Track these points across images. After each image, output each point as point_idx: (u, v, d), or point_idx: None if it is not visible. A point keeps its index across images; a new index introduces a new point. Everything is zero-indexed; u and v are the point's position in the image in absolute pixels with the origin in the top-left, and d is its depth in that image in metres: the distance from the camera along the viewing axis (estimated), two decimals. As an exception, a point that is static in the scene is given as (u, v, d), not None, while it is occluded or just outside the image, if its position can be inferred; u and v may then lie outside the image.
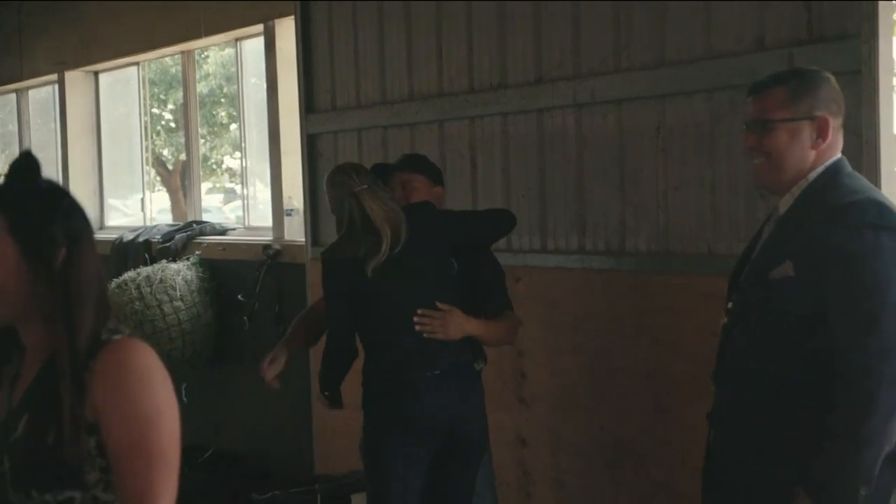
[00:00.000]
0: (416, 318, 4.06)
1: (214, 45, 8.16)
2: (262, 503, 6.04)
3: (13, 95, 10.35)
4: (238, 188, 9.13)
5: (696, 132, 4.37)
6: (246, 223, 7.63)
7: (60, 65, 9.11)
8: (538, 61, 4.99)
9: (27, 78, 9.78)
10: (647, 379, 4.57)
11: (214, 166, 11.01)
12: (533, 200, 5.05)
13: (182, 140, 8.73)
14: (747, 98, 3.14)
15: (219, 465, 7.07)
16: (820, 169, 3.04)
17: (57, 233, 2.12)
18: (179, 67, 8.35)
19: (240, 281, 6.97)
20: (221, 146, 10.87)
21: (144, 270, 7.15)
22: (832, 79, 3.09)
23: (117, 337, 2.11)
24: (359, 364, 4.21)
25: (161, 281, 6.98)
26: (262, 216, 7.51)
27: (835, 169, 3.04)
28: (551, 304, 4.91)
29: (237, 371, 7.25)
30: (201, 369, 7.35)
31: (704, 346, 3.42)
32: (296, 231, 6.73)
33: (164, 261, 7.33)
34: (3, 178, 2.22)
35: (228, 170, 11.08)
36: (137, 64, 8.65)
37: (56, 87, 9.33)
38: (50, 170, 9.87)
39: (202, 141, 8.60)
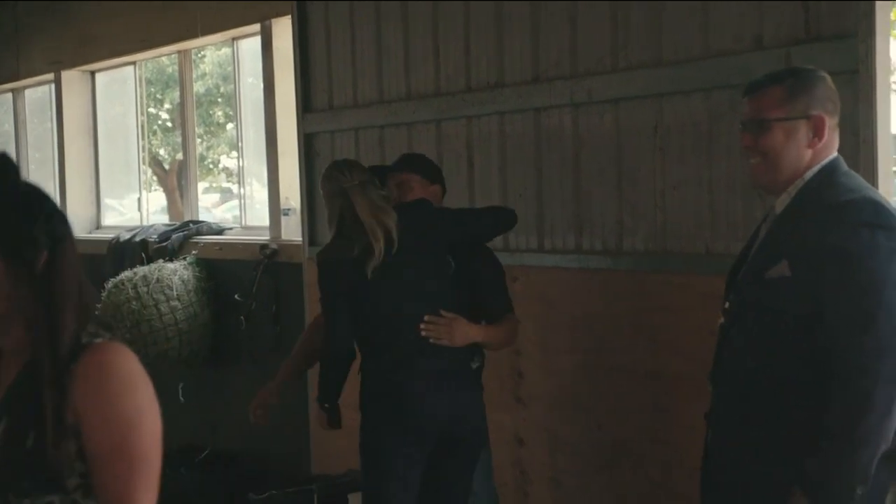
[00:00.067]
0: (422, 325, 4.06)
1: (211, 44, 8.15)
2: (259, 503, 6.03)
3: (9, 95, 10.33)
4: (235, 188, 9.13)
5: (694, 132, 4.37)
6: (243, 223, 7.63)
7: (57, 64, 9.10)
8: (535, 61, 4.99)
9: (23, 77, 9.77)
10: (645, 378, 4.57)
11: (211, 166, 11.00)
12: (530, 200, 5.05)
13: (178, 140, 8.73)
14: (743, 98, 3.14)
15: (216, 464, 7.07)
16: (816, 168, 3.04)
17: (38, 235, 2.10)
18: (176, 67, 8.35)
19: (237, 281, 6.96)
20: (218, 146, 10.86)
21: (141, 270, 7.15)
22: (828, 78, 3.09)
23: (98, 340, 2.09)
24: (355, 365, 4.21)
25: (158, 281, 6.98)
26: (259, 216, 7.50)
27: (831, 168, 3.04)
28: (549, 303, 4.91)
29: (234, 371, 7.25)
30: (198, 369, 7.34)
31: (702, 345, 3.42)
32: (293, 231, 6.73)
33: (160, 260, 7.33)
34: None
35: (225, 169, 11.07)
36: (134, 63, 8.64)
37: (52, 86, 9.32)
38: (46, 169, 9.88)
39: (199, 140, 8.60)
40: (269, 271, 6.78)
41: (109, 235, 8.37)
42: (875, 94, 3.74)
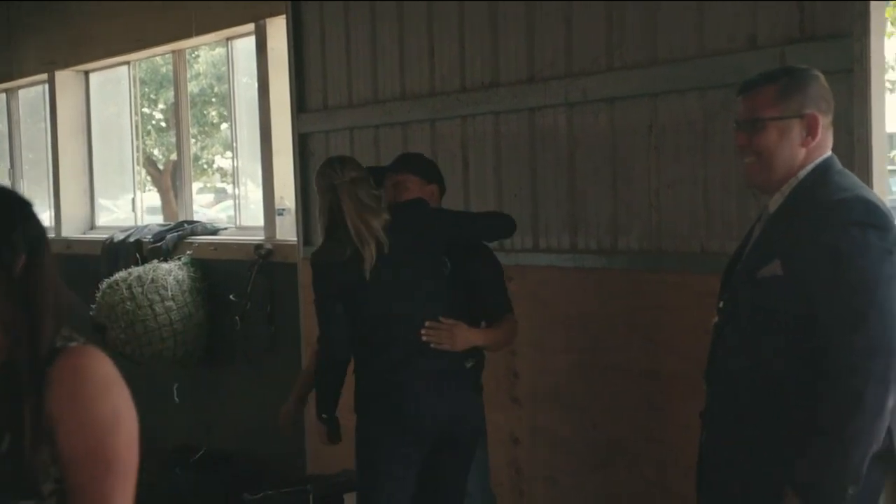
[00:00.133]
0: (423, 331, 4.06)
1: (205, 44, 8.15)
2: (255, 503, 6.03)
3: (3, 95, 10.33)
4: (229, 188, 9.13)
5: (689, 131, 4.37)
6: (237, 223, 7.62)
7: (51, 64, 9.09)
8: (530, 60, 4.99)
9: (17, 78, 9.76)
10: (640, 377, 4.57)
11: (205, 166, 11.00)
12: (525, 199, 5.05)
13: (173, 140, 8.72)
14: (737, 97, 3.14)
15: (211, 464, 7.06)
16: (810, 167, 3.04)
17: (16, 240, 2.08)
18: (170, 67, 8.34)
19: (231, 281, 6.96)
20: (212, 146, 10.87)
21: (136, 270, 7.15)
22: (821, 77, 3.09)
23: (72, 344, 2.08)
24: (350, 367, 4.21)
25: (152, 281, 6.97)
26: (253, 216, 7.50)
27: (825, 167, 3.04)
28: (544, 303, 4.91)
29: (229, 371, 7.25)
30: (193, 369, 7.34)
31: (697, 344, 3.42)
32: (287, 231, 6.73)
33: (155, 261, 7.32)
34: None
35: (219, 169, 11.07)
36: (128, 63, 8.64)
37: (46, 86, 9.31)
38: (40, 170, 9.88)
39: (193, 141, 8.60)
40: (263, 271, 6.78)
41: (104, 236, 8.37)
42: (870, 93, 3.74)
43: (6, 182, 10.39)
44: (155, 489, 7.36)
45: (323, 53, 6.24)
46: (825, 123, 3.05)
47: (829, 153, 3.07)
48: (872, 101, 3.75)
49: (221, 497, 6.70)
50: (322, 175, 4.17)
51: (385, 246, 4.02)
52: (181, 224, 7.80)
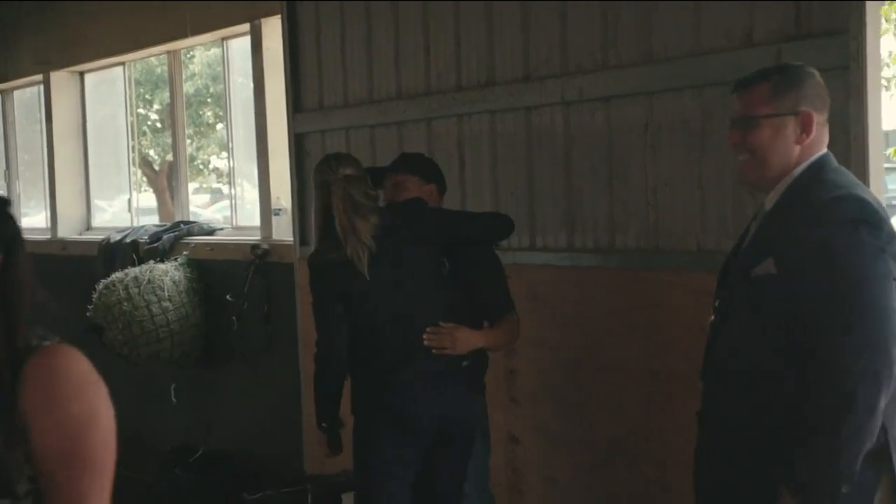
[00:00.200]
0: (424, 336, 4.05)
1: (200, 44, 8.14)
2: (253, 503, 6.03)
3: (-2, 96, 10.32)
4: (225, 188, 9.12)
5: (685, 128, 4.37)
6: (233, 223, 7.62)
7: (45, 65, 9.08)
8: (526, 59, 4.99)
9: (12, 78, 9.75)
10: (638, 376, 4.57)
11: (201, 166, 11.00)
12: (521, 198, 5.05)
13: (168, 140, 8.71)
14: (732, 94, 3.14)
15: (209, 465, 7.05)
16: (805, 164, 3.03)
17: None
18: (165, 67, 8.33)
19: (228, 281, 6.96)
20: (208, 146, 10.86)
21: (132, 271, 7.14)
22: (816, 74, 3.09)
23: (47, 343, 2.07)
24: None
25: (149, 281, 6.97)
26: (249, 216, 7.50)
27: (820, 164, 3.04)
28: (541, 301, 4.91)
29: (226, 371, 7.25)
30: (190, 369, 7.34)
31: (695, 342, 3.42)
32: (284, 230, 6.72)
33: (151, 261, 7.32)
34: None
35: (215, 170, 11.07)
36: (123, 64, 8.63)
37: (41, 87, 9.30)
38: (36, 171, 9.87)
39: (189, 141, 8.59)
40: (260, 271, 6.78)
41: (100, 237, 8.36)
42: (866, 90, 3.75)
43: (1, 183, 10.38)
44: (153, 490, 7.36)
45: (318, 53, 6.23)
46: (820, 120, 3.05)
47: (824, 150, 3.07)
48: (868, 99, 3.75)
49: (220, 497, 6.70)
50: (317, 171, 4.15)
51: (369, 248, 3.98)
52: (177, 224, 7.79)
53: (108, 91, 9.11)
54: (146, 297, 6.92)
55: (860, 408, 2.76)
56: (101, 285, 7.12)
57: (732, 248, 3.29)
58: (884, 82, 3.95)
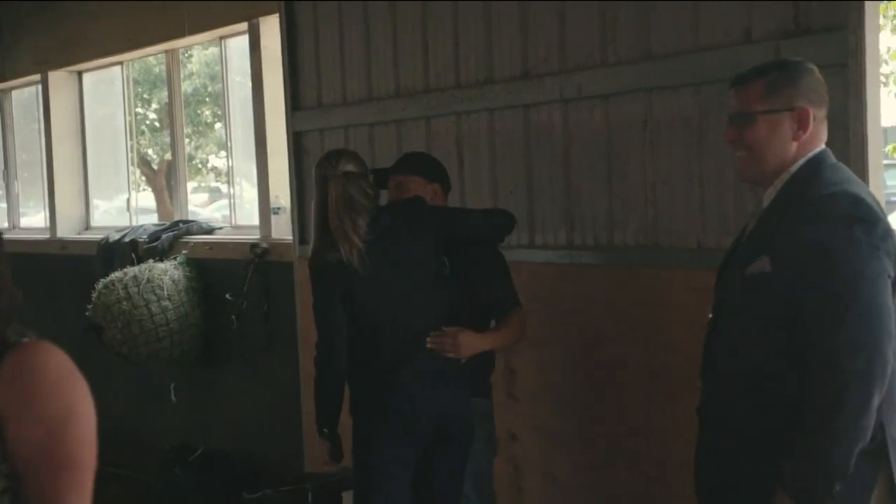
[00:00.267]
0: (428, 340, 4.04)
1: (198, 43, 8.14)
2: (253, 502, 6.03)
3: (-4, 96, 10.32)
4: (223, 187, 9.12)
5: (684, 126, 4.37)
6: (232, 222, 7.62)
7: (44, 65, 9.08)
8: (524, 56, 4.99)
9: (10, 78, 9.74)
10: (637, 373, 4.57)
11: (200, 165, 10.99)
12: (520, 196, 5.05)
13: (167, 139, 8.71)
14: (729, 90, 3.14)
15: (209, 464, 7.06)
16: (802, 161, 3.03)
17: None
18: (163, 66, 8.33)
19: (227, 280, 6.96)
20: (206, 145, 10.85)
21: (131, 270, 7.14)
22: (815, 69, 3.08)
23: (25, 339, 2.06)
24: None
25: (148, 281, 6.97)
26: (248, 215, 7.50)
27: (817, 160, 3.03)
28: (540, 299, 4.91)
29: (226, 370, 7.25)
30: (190, 369, 7.34)
31: (694, 340, 3.42)
32: (283, 229, 6.72)
33: (150, 260, 7.32)
34: None
35: (214, 169, 11.06)
36: (121, 63, 8.62)
37: (39, 87, 9.29)
38: (34, 171, 9.87)
39: (187, 140, 8.58)
40: (259, 270, 6.78)
41: (98, 236, 8.36)
42: (865, 87, 3.74)
43: (0, 183, 10.38)
44: (153, 489, 7.36)
45: (317, 51, 6.23)
46: (818, 116, 3.04)
47: (822, 146, 3.06)
48: (867, 95, 3.75)
49: (220, 496, 6.70)
50: (318, 166, 4.13)
51: (360, 248, 3.96)
52: (176, 224, 7.79)
53: (106, 91, 9.11)
54: (145, 297, 6.92)
55: (853, 407, 2.76)
56: (100, 285, 7.12)
57: (731, 244, 3.29)
58: (882, 79, 3.94)
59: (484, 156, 5.22)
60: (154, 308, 6.93)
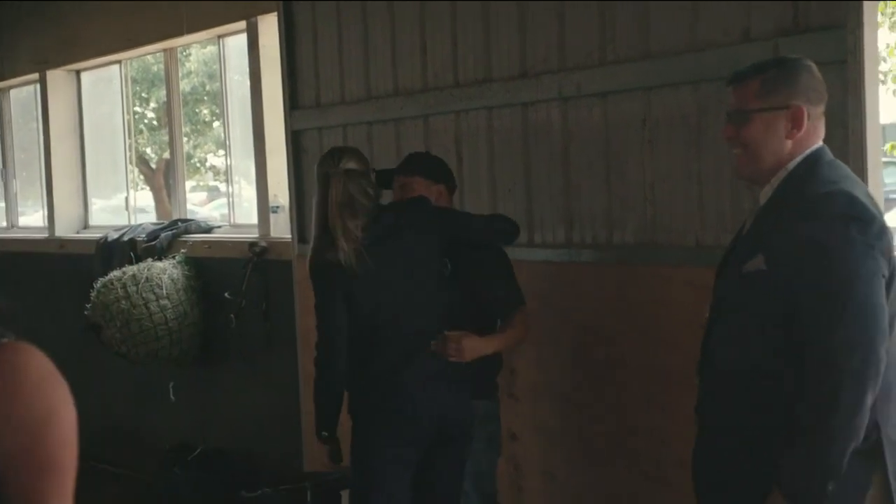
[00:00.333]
0: (432, 344, 4.03)
1: (197, 42, 8.13)
2: (252, 501, 6.03)
3: (-6, 95, 10.31)
4: (222, 186, 9.11)
5: (683, 124, 4.37)
6: (231, 221, 7.62)
7: (42, 64, 9.07)
8: (523, 55, 4.99)
9: (8, 77, 9.73)
10: (637, 371, 4.57)
11: (198, 164, 10.98)
12: (519, 194, 5.05)
13: (165, 138, 8.71)
14: (727, 88, 3.14)
15: (208, 463, 7.06)
16: (799, 158, 3.02)
17: None
18: (162, 65, 8.33)
19: (226, 279, 6.95)
20: (205, 144, 10.84)
21: (130, 269, 7.14)
22: (812, 66, 3.07)
23: (4, 340, 2.05)
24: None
25: (147, 280, 6.97)
26: (247, 214, 7.49)
27: (814, 158, 3.02)
28: (539, 298, 4.90)
29: (224, 369, 7.24)
30: (188, 368, 7.34)
31: (693, 338, 3.42)
32: (282, 228, 6.72)
33: (149, 259, 7.31)
34: None
35: (212, 168, 11.05)
36: (119, 62, 8.62)
37: (38, 86, 9.29)
38: (33, 170, 9.86)
39: (185, 139, 8.58)
40: (258, 269, 6.78)
41: (97, 235, 8.35)
42: (864, 84, 3.74)
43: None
44: (152, 488, 7.36)
45: (315, 50, 6.23)
46: (815, 114, 3.03)
47: (819, 144, 3.06)
48: (866, 93, 3.75)
49: (219, 495, 6.70)
50: (319, 164, 4.11)
51: (357, 248, 3.95)
52: (175, 222, 7.79)
53: (104, 89, 9.10)
54: (144, 296, 6.92)
55: (847, 406, 2.75)
56: (98, 284, 7.12)
57: (730, 242, 3.29)
58: (881, 77, 3.94)
59: (482, 154, 5.22)
60: (153, 307, 6.93)
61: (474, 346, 4.10)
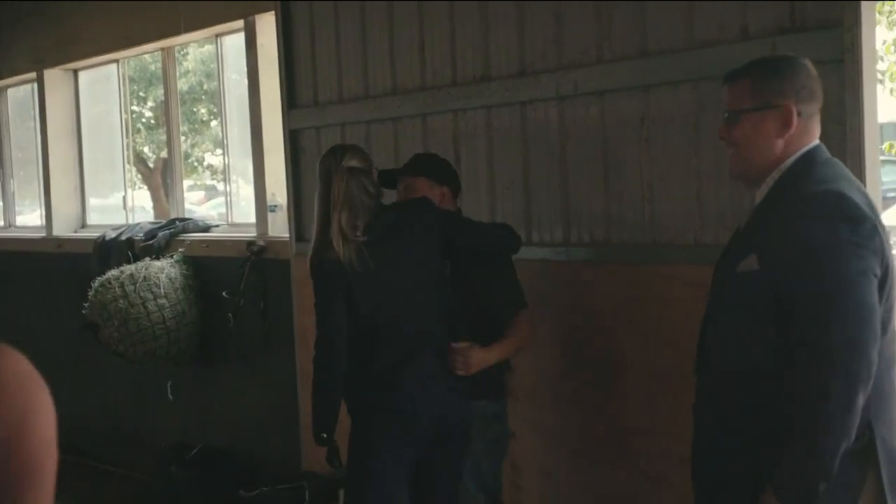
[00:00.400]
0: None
1: (194, 41, 8.13)
2: (250, 500, 6.03)
3: (-9, 94, 10.31)
4: (220, 185, 9.11)
5: (681, 123, 4.37)
6: (229, 220, 7.61)
7: (39, 63, 9.06)
8: (521, 54, 4.99)
9: (6, 77, 9.73)
10: (635, 370, 4.57)
11: (196, 163, 10.99)
12: (517, 193, 5.05)
13: (163, 137, 8.70)
14: (723, 87, 3.14)
15: (206, 462, 7.06)
16: (794, 157, 3.01)
17: None
18: (159, 64, 8.32)
19: (224, 278, 6.95)
20: (202, 143, 10.85)
21: (128, 268, 7.13)
22: (805, 64, 3.05)
23: None
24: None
25: (145, 279, 6.96)
26: (245, 213, 7.49)
27: (809, 157, 3.01)
28: (538, 296, 4.90)
29: (223, 368, 7.24)
30: (187, 367, 7.34)
31: (692, 336, 3.42)
32: (280, 227, 6.72)
33: (147, 258, 7.31)
34: None
35: (210, 167, 11.06)
36: (117, 61, 8.61)
37: (35, 85, 9.28)
38: (30, 169, 9.85)
39: (183, 138, 8.57)
40: (256, 268, 6.78)
41: (94, 234, 8.35)
42: (861, 83, 3.75)
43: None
44: (151, 487, 7.36)
45: (313, 49, 6.23)
46: (807, 112, 3.01)
47: (816, 142, 3.04)
48: (864, 92, 3.75)
49: (217, 494, 6.70)
50: (322, 160, 4.09)
51: (358, 247, 3.94)
52: (173, 221, 7.78)
53: (101, 89, 9.10)
54: (142, 295, 6.91)
55: (837, 407, 2.74)
56: (96, 283, 7.11)
57: (728, 241, 3.29)
58: (879, 75, 3.94)
59: (481, 153, 5.22)
60: (151, 306, 6.92)
61: (481, 358, 4.10)
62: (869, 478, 2.91)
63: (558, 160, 4.87)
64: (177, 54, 8.17)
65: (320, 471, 5.87)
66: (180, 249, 7.33)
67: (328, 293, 4.00)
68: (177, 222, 7.73)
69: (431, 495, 4.16)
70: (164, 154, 8.83)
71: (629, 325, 4.58)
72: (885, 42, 9.36)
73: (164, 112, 8.26)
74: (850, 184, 2.98)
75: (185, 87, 9.47)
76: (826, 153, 3.05)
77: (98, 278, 7.15)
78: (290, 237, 6.44)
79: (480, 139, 5.22)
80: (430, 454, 4.09)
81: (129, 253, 7.64)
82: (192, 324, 7.12)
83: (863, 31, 3.74)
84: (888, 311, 2.89)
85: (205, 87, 9.65)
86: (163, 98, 8.28)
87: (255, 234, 6.92)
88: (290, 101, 6.38)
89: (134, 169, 9.51)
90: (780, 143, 3.00)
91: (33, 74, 9.22)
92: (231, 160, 7.63)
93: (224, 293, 6.89)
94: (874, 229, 2.85)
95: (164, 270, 7.07)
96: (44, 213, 9.35)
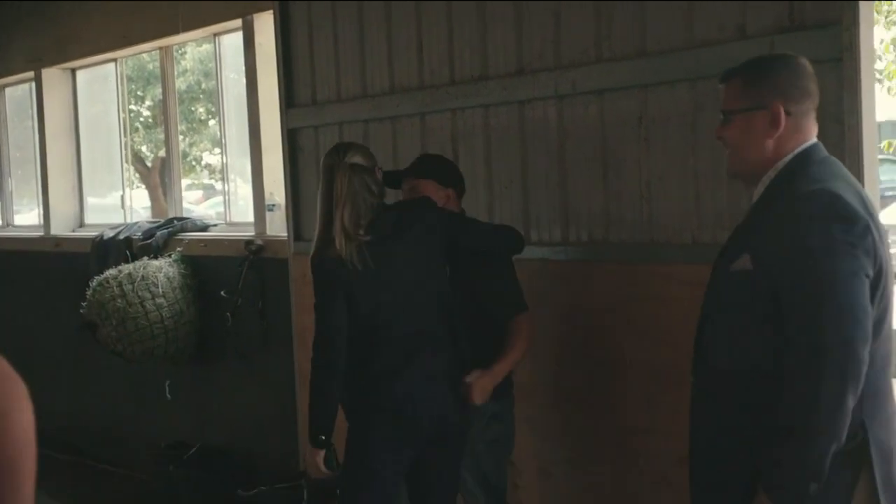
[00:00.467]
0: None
1: (192, 40, 8.12)
2: (248, 499, 6.03)
3: (-10, 94, 10.30)
4: (218, 184, 9.11)
5: (679, 122, 4.37)
6: (227, 219, 7.61)
7: (37, 62, 9.06)
8: (519, 52, 4.99)
9: (4, 76, 9.73)
10: (633, 369, 4.57)
11: (194, 163, 10.99)
12: (515, 192, 5.05)
13: (161, 137, 8.70)
14: (720, 86, 3.14)
15: (204, 461, 7.06)
16: (790, 156, 3.00)
17: None
18: (157, 63, 8.32)
19: (222, 277, 6.95)
20: (201, 142, 10.85)
21: (126, 268, 7.13)
22: (799, 64, 3.04)
23: None
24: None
25: (143, 278, 6.96)
26: (243, 212, 7.49)
27: (805, 155, 3.00)
28: (536, 295, 4.89)
29: (221, 367, 7.24)
30: (185, 366, 7.34)
31: (690, 335, 3.42)
32: (278, 226, 6.72)
33: (145, 258, 7.31)
34: None
35: (208, 166, 11.06)
36: (115, 60, 8.61)
37: (33, 84, 9.28)
38: (28, 168, 9.85)
39: (181, 137, 8.57)
40: (254, 267, 6.77)
41: (93, 233, 8.35)
42: (859, 82, 3.75)
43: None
44: (149, 487, 7.36)
45: (311, 48, 6.23)
46: (798, 112, 2.99)
47: (812, 141, 3.04)
48: (862, 91, 3.75)
49: (215, 494, 6.70)
50: (325, 157, 4.06)
51: (360, 246, 3.93)
52: (171, 221, 7.78)
53: (99, 88, 9.09)
54: (140, 294, 6.91)
55: (826, 407, 2.74)
56: (94, 282, 7.11)
57: (726, 240, 3.29)
58: (877, 74, 3.94)
59: (479, 152, 5.22)
60: (149, 305, 6.92)
61: (492, 381, 4.12)
62: (862, 477, 2.90)
63: (556, 159, 4.87)
64: (175, 53, 8.17)
65: (315, 475, 5.87)
66: (178, 249, 7.33)
67: (329, 292, 3.98)
68: (175, 221, 7.72)
69: (430, 495, 4.15)
70: (162, 153, 8.83)
71: (627, 324, 4.58)
72: (882, 41, 9.37)
73: (163, 111, 8.25)
74: (845, 183, 2.96)
75: (184, 87, 9.46)
76: (823, 152, 3.04)
77: (96, 277, 7.15)
78: (289, 236, 6.44)
79: (479, 138, 5.22)
80: (430, 454, 4.08)
81: (127, 252, 7.64)
82: (190, 323, 7.12)
83: (861, 30, 3.74)
84: (883, 312, 2.89)
85: (203, 86, 9.65)
86: (161, 97, 8.28)
87: (253, 234, 6.91)
88: (289, 100, 6.38)
89: (132, 168, 9.50)
90: (769, 142, 2.99)
91: (31, 73, 9.21)
92: (229, 159, 7.62)
93: (222, 292, 6.89)
94: (867, 229, 2.84)
95: (162, 270, 7.07)
96: (42, 212, 9.35)
